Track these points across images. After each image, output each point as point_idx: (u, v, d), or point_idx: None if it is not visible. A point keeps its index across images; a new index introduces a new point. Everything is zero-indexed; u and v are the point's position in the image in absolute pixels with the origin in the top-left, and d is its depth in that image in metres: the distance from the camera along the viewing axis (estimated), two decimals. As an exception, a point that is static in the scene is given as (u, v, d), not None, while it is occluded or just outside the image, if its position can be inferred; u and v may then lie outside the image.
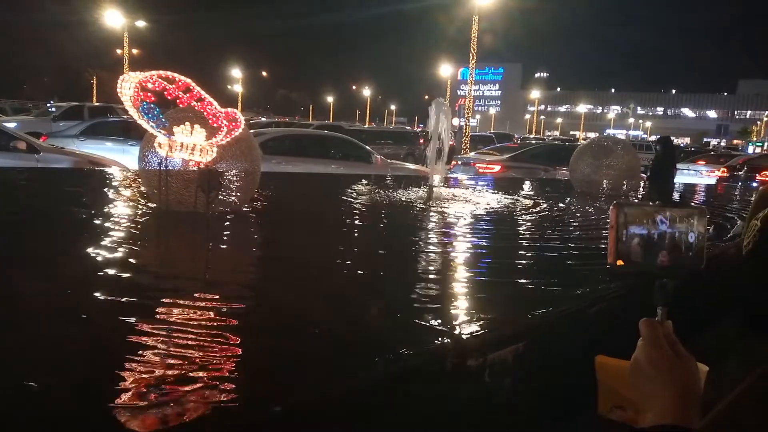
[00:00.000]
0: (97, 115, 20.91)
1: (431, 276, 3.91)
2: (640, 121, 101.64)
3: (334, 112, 68.09)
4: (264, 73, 70.08)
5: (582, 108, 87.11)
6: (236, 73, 56.28)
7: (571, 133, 71.86)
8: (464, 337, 2.76)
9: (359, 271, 4.00)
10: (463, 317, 3.00)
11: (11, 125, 12.74)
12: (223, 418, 1.91)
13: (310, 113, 64.58)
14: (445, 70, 44.54)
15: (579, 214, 7.20)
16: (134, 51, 32.75)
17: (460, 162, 14.79)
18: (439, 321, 2.92)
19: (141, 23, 33.53)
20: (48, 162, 9.01)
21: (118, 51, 34.31)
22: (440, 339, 2.71)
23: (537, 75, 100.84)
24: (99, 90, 44.34)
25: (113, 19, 30.48)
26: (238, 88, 55.43)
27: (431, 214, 6.64)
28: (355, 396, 2.24)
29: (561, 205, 7.86)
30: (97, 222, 4.98)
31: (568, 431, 2.63)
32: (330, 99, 72.24)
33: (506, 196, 8.39)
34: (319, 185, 8.81)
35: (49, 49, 53.19)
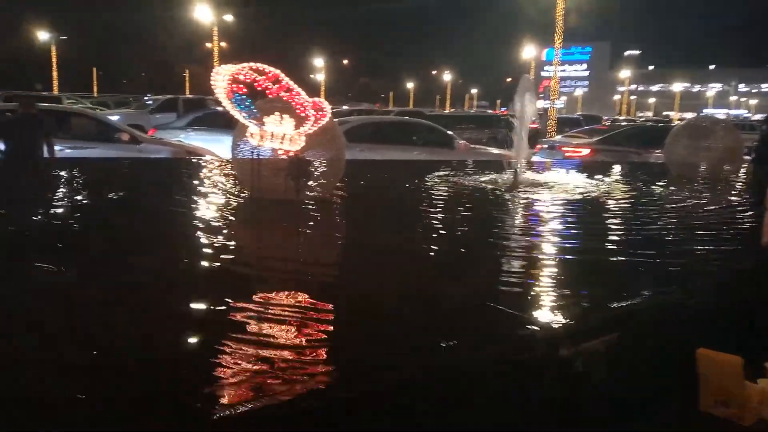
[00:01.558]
0: (190, 107, 21.94)
1: (517, 263, 3.85)
2: (743, 99, 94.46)
3: (415, 99, 67.85)
4: (345, 62, 70.86)
5: (677, 86, 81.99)
6: (318, 62, 57.28)
7: (665, 113, 67.88)
8: (554, 326, 2.71)
9: (443, 257, 4.00)
10: (551, 306, 2.94)
11: (114, 118, 13.60)
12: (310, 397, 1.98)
13: (391, 100, 64.73)
14: (529, 51, 43.25)
15: (676, 200, 6.82)
16: (222, 44, 33.99)
17: (545, 146, 14.32)
18: (527, 309, 2.89)
19: (229, 17, 34.77)
20: (148, 152, 9.57)
21: (208, 45, 35.76)
22: (528, 328, 2.68)
23: (627, 53, 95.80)
24: (191, 82, 46.55)
25: (203, 15, 31.73)
26: (320, 77, 56.44)
27: (516, 199, 6.52)
28: (438, 380, 2.26)
29: (656, 189, 7.47)
30: (192, 209, 5.26)
31: (662, 426, 2.53)
32: (410, 85, 72.03)
33: (596, 181, 8.08)
34: (402, 172, 8.83)
35: (146, 45, 56.35)
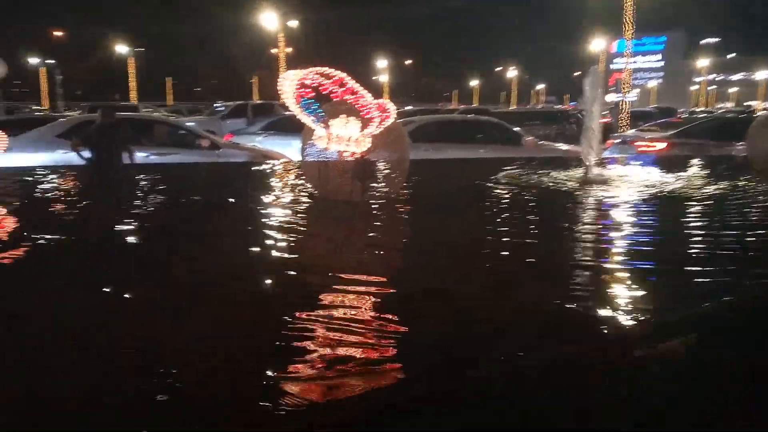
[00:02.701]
0: (259, 113, 22.62)
1: (588, 263, 3.74)
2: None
3: (480, 96, 67.07)
4: (408, 62, 70.94)
5: (761, 75, 77.08)
6: (381, 63, 57.66)
7: (746, 103, 63.94)
8: (627, 326, 2.62)
9: (512, 257, 3.95)
10: (625, 305, 2.85)
11: (190, 125, 14.20)
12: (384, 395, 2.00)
13: (455, 99, 64.26)
14: (598, 43, 41.87)
15: (760, 197, 6.43)
16: (288, 50, 34.80)
17: (617, 141, 13.83)
18: (599, 309, 2.81)
19: (293, 23, 35.59)
20: (227, 157, 9.96)
21: (274, 50, 36.69)
22: (601, 328, 2.61)
23: (704, 41, 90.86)
24: (259, 88, 47.93)
25: (269, 21, 32.58)
26: (383, 78, 56.79)
27: (587, 197, 6.33)
28: (511, 382, 2.23)
29: (738, 185, 7.08)
30: (265, 210, 5.42)
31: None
32: (474, 83, 71.26)
33: (672, 177, 7.73)
34: (467, 170, 8.77)
35: (217, 53, 58.53)
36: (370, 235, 4.56)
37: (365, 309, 2.78)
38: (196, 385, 2.07)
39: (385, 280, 3.34)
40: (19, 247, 4.11)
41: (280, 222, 4.83)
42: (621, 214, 5.53)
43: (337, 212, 5.37)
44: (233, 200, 6.11)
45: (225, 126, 21.58)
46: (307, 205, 5.73)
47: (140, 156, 8.86)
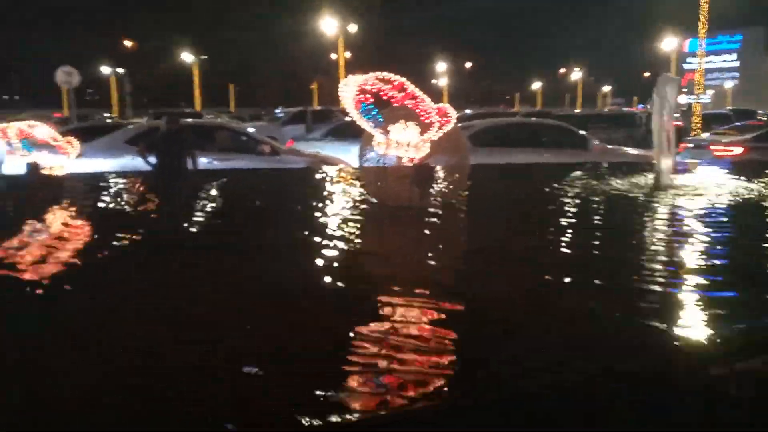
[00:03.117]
0: (318, 119, 22.90)
1: (660, 276, 3.49)
2: None
3: (542, 99, 65.81)
4: (467, 65, 70.38)
5: None
6: (441, 66, 57.46)
7: (832, 103, 59.91)
8: (703, 342, 2.42)
9: (578, 266, 3.74)
10: (701, 320, 2.63)
11: (250, 130, 14.47)
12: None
13: (516, 102, 63.28)
14: (669, 42, 40.22)
15: None
16: (347, 55, 35.16)
17: (691, 144, 13.09)
18: (672, 323, 2.61)
19: (353, 28, 35.91)
20: (287, 163, 10.07)
21: (333, 56, 37.16)
22: (674, 343, 2.42)
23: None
24: (319, 94, 48.69)
25: (328, 27, 32.98)
26: (443, 82, 56.58)
27: (658, 205, 5.99)
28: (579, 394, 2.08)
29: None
30: (324, 215, 5.39)
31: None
32: (536, 86, 69.96)
33: (750, 183, 7.23)
34: (531, 176, 8.50)
35: (277, 60, 59.87)
36: (427, 242, 4.44)
37: (420, 318, 2.66)
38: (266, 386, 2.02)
39: (435, 286, 3.22)
40: (94, 247, 4.22)
41: (335, 229, 4.77)
42: (694, 223, 5.18)
43: (394, 218, 5.28)
44: (291, 206, 6.12)
45: (285, 132, 21.96)
46: (364, 210, 5.66)
47: (203, 161, 9.06)
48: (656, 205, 6.02)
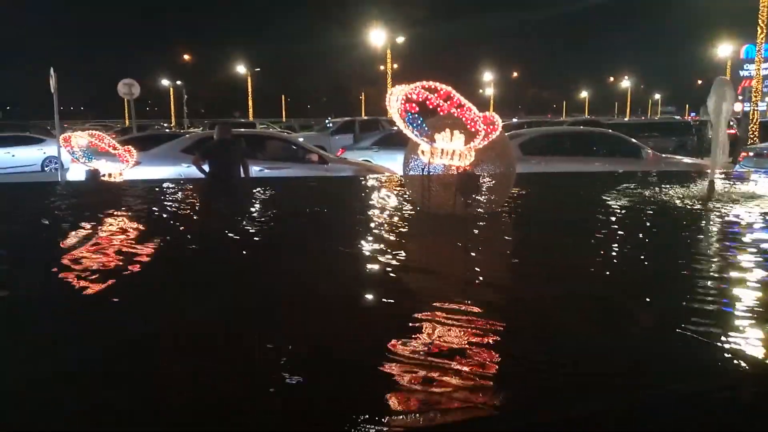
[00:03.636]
0: (365, 128, 23.16)
1: (712, 290, 3.41)
2: None
3: (589, 107, 64.51)
4: (514, 74, 69.72)
5: None
6: (488, 76, 57.10)
7: None
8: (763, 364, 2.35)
9: (626, 277, 3.70)
10: (756, 345, 2.55)
11: (300, 140, 14.78)
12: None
13: (563, 110, 62.22)
14: (725, 49, 38.90)
15: None
16: (395, 66, 35.41)
17: (751, 153, 12.59)
18: (731, 341, 2.54)
19: (401, 39, 36.18)
20: (335, 171, 10.27)
21: (381, 67, 37.46)
22: (735, 362, 2.36)
23: None
24: (367, 104, 49.19)
25: (377, 38, 33.32)
26: (489, 91, 56.19)
27: (712, 216, 5.84)
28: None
29: None
30: (367, 223, 5.48)
31: None
32: (584, 94, 68.63)
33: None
34: (581, 185, 8.38)
35: (327, 71, 60.87)
36: (469, 250, 4.47)
37: (456, 329, 2.70)
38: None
39: (477, 295, 3.25)
40: (147, 251, 4.44)
41: (379, 237, 4.86)
42: (747, 233, 5.03)
43: (438, 227, 5.32)
44: (337, 213, 6.25)
45: (334, 141, 22.29)
46: (408, 219, 5.73)
47: (255, 170, 9.34)
48: (707, 216, 5.87)
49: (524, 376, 2.27)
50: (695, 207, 6.27)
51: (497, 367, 2.30)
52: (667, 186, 7.57)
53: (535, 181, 8.32)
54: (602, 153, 10.92)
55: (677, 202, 6.63)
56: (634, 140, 11.29)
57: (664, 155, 11.65)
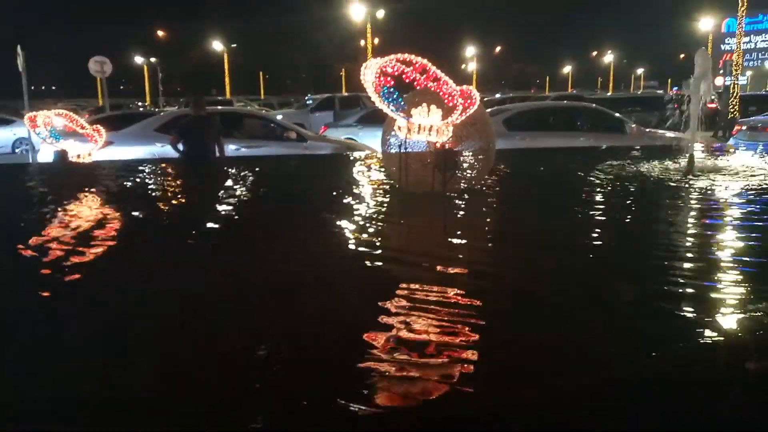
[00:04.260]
0: (345, 105, 22.86)
1: (691, 262, 3.36)
2: None
3: (573, 82, 64.53)
4: (497, 49, 69.33)
5: None
6: (470, 51, 56.70)
7: None
8: (739, 334, 2.33)
9: (606, 254, 3.63)
10: (734, 311, 2.51)
11: (278, 117, 14.51)
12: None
13: (547, 86, 62.19)
14: (706, 23, 38.92)
15: None
16: (375, 41, 34.92)
17: (744, 127, 12.49)
18: (704, 314, 2.50)
19: (381, 13, 35.61)
20: (313, 149, 10.06)
21: (361, 42, 36.96)
22: (707, 335, 2.34)
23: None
24: (347, 80, 48.60)
25: (357, 12, 32.76)
26: (472, 66, 55.87)
27: (690, 188, 5.78)
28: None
29: None
30: (344, 201, 5.35)
31: None
32: (568, 69, 68.54)
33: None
34: (564, 160, 8.30)
35: (306, 47, 59.99)
36: (447, 229, 4.36)
37: (437, 306, 2.60)
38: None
39: (456, 275, 3.15)
40: (117, 235, 4.26)
41: (357, 215, 4.73)
42: (727, 208, 5.00)
43: (416, 205, 5.21)
44: (313, 193, 6.09)
45: (313, 118, 21.96)
46: (385, 198, 5.61)
47: (231, 148, 9.11)
48: (687, 187, 5.82)
49: (503, 355, 2.19)
50: (674, 181, 6.22)
51: (477, 348, 2.21)
52: (648, 161, 7.51)
53: (517, 158, 8.22)
54: (586, 128, 10.84)
55: (657, 176, 6.58)
56: (618, 115, 11.22)
57: (647, 130, 11.61)
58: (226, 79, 42.22)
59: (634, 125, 10.93)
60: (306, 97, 31.52)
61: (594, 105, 12.75)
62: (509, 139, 9.48)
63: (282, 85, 55.08)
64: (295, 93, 41.97)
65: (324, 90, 34.96)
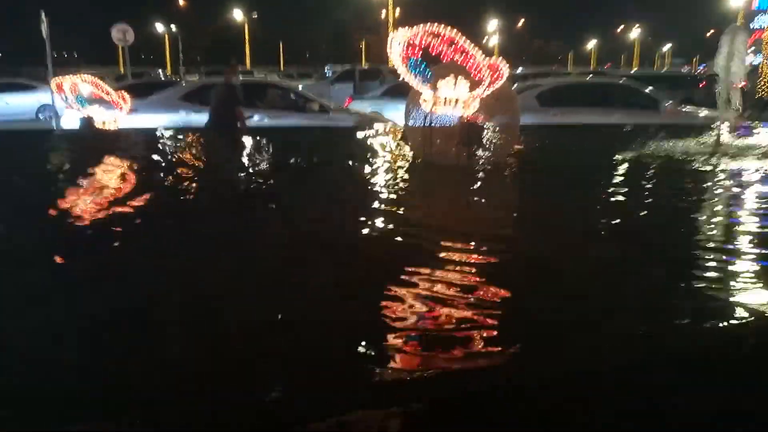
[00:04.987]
0: (365, 78, 22.68)
1: (712, 242, 3.35)
2: None
3: (597, 59, 63.29)
4: (520, 23, 68.06)
5: None
6: (492, 25, 55.74)
7: None
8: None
9: (633, 233, 3.63)
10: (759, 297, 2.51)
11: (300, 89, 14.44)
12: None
13: (569, 62, 61.10)
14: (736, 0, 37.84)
15: None
16: (396, 12, 34.46)
17: None
18: (733, 294, 2.50)
19: (404, -17, 35.07)
20: (336, 121, 10.05)
21: (382, 14, 36.50)
22: (738, 316, 2.33)
23: None
24: (367, 53, 48.14)
25: (379, -17, 32.29)
26: (494, 41, 54.99)
27: (717, 168, 5.72)
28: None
29: None
30: (365, 174, 5.37)
31: None
32: (591, 45, 67.19)
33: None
34: (594, 137, 8.20)
35: (326, 18, 59.37)
36: (469, 205, 4.37)
37: (453, 287, 2.63)
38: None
39: (477, 248, 3.17)
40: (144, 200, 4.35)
41: (377, 190, 4.75)
42: (751, 191, 4.95)
43: (438, 180, 5.21)
44: (334, 165, 6.11)
45: (333, 90, 21.84)
46: (407, 172, 5.61)
47: (255, 119, 9.14)
48: (714, 166, 5.76)
49: (525, 330, 2.21)
50: (701, 160, 6.14)
51: (498, 322, 2.25)
52: (676, 139, 7.41)
53: (544, 134, 8.14)
54: (620, 105, 10.66)
55: (683, 155, 6.50)
56: (653, 92, 10.99)
57: (684, 107, 11.34)
58: (247, 50, 42.05)
59: (669, 103, 10.72)
60: (325, 69, 31.34)
61: (628, 82, 12.52)
62: (541, 114, 9.38)
63: (302, 56, 54.69)
64: (314, 64, 41.71)
65: (343, 62, 34.66)
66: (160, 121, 9.37)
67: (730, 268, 2.89)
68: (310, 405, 1.76)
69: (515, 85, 10.24)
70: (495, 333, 2.18)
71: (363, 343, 2.08)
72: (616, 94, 11.23)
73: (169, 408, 1.75)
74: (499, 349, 2.08)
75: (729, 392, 1.87)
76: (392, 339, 2.09)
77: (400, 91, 14.65)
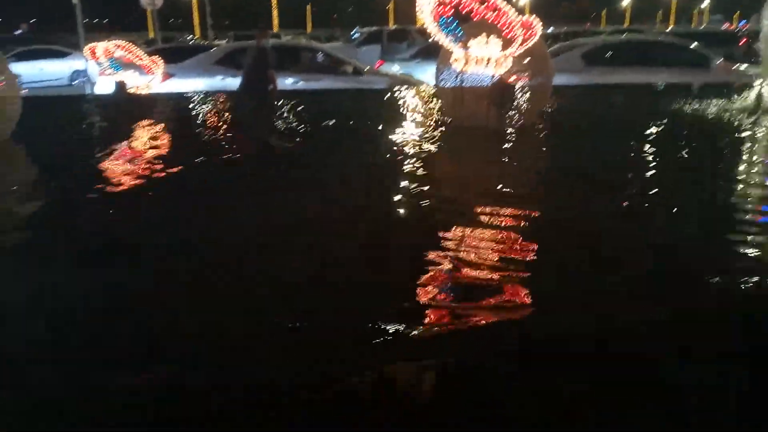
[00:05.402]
0: (393, 39, 22.30)
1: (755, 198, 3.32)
2: None
3: (632, 16, 61.00)
4: (552, -20, 65.77)
5: None
6: (523, -18, 54.04)
7: None
8: None
9: (664, 192, 3.60)
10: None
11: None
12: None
13: (603, 20, 59.09)
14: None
15: None
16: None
17: None
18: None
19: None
20: (369, 83, 10.00)
21: (411, -27, 35.63)
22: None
23: None
24: (395, 13, 47.21)
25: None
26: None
27: (757, 129, 5.57)
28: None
29: None
30: (398, 134, 5.37)
31: None
32: (626, 1, 64.78)
33: None
34: (632, 97, 8.02)
35: (353, -22, 58.24)
36: (501, 166, 4.36)
37: (485, 248, 2.67)
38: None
39: (506, 208, 3.19)
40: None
41: (409, 148, 4.76)
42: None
43: (469, 141, 5.19)
44: (366, 127, 6.13)
45: (360, 53, 21.57)
46: (438, 133, 5.59)
47: (288, 82, 9.15)
48: (753, 125, 5.62)
49: (559, 290, 2.27)
50: (740, 119, 5.98)
51: (527, 284, 2.29)
52: (717, 97, 7.21)
53: (582, 93, 7.98)
54: (669, 63, 10.32)
55: (724, 114, 6.33)
56: (703, 49, 10.57)
57: (738, 65, 10.90)
58: (274, 13, 41.70)
59: (721, 60, 10.30)
60: (353, 31, 30.89)
61: (675, 39, 12.09)
62: (587, 74, 9.16)
63: (329, 18, 54.00)
64: (341, 26, 41.17)
65: (371, 24, 34.13)
66: (197, 85, 9.45)
67: None
68: (353, 358, 1.84)
69: (557, 45, 10.05)
70: (527, 292, 2.22)
71: (404, 303, 2.14)
72: (665, 52, 10.83)
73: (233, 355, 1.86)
74: (531, 309, 2.12)
75: None
76: (426, 299, 2.15)
77: (430, 53, 14.41)
